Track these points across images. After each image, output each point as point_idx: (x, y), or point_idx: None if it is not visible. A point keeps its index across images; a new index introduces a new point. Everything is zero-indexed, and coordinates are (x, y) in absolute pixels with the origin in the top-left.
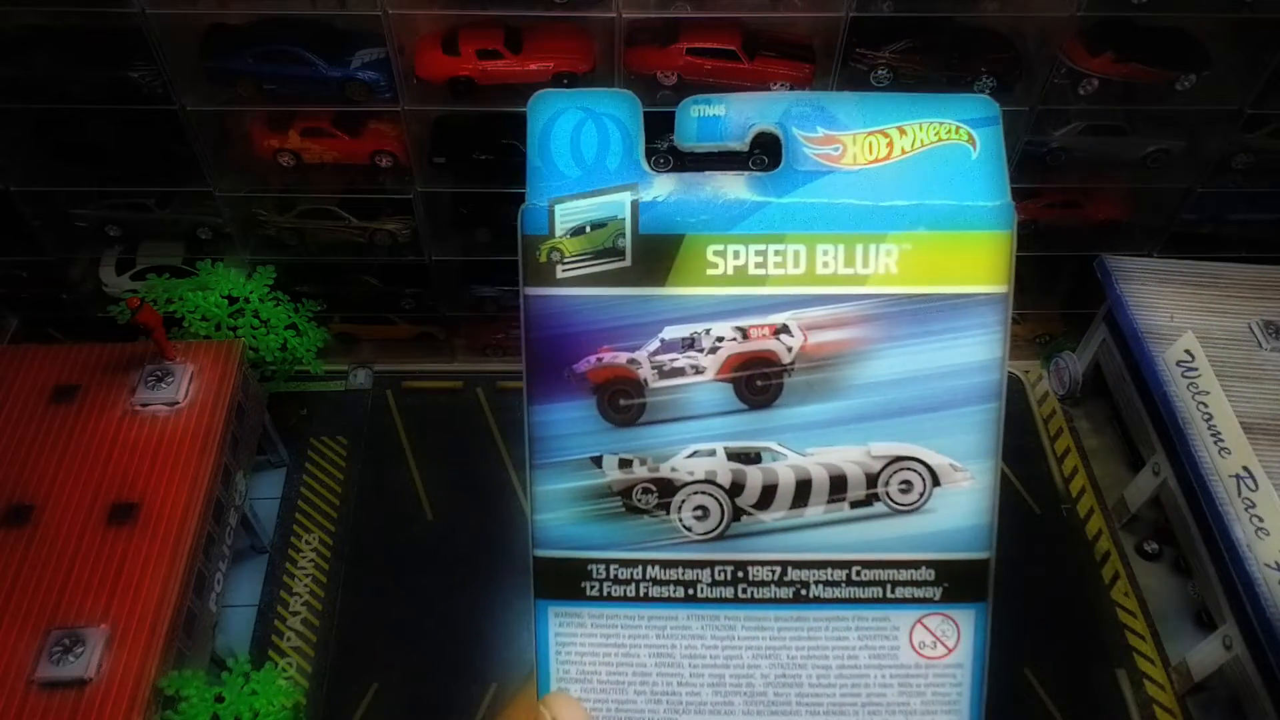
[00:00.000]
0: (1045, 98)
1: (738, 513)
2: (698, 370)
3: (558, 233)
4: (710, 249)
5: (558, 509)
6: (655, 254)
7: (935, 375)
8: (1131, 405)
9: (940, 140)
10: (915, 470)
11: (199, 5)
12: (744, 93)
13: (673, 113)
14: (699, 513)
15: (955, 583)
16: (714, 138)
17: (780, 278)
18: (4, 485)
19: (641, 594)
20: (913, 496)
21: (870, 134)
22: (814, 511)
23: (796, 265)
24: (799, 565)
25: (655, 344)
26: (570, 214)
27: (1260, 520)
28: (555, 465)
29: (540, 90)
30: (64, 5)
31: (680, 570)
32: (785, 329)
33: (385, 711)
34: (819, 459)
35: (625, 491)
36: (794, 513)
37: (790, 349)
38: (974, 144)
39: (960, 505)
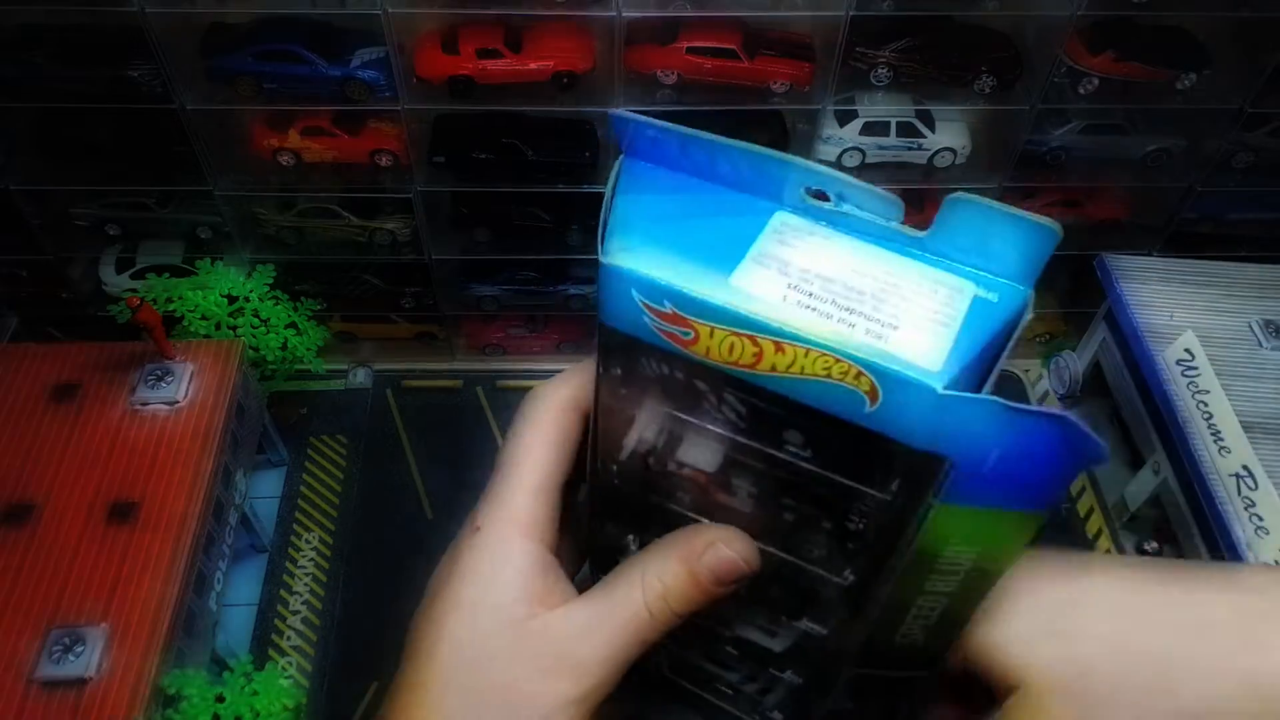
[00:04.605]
0: (1046, 97)
1: None
2: None
3: None
4: None
5: None
6: None
7: None
8: (1131, 404)
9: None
10: None
11: (199, 4)
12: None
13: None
14: None
15: None
16: None
17: None
18: (4, 485)
19: None
20: None
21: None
22: None
23: None
24: None
25: None
26: None
27: (1260, 519)
28: None
29: None
30: (63, 4)
31: None
32: None
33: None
34: None
35: None
36: None
37: None
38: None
39: None
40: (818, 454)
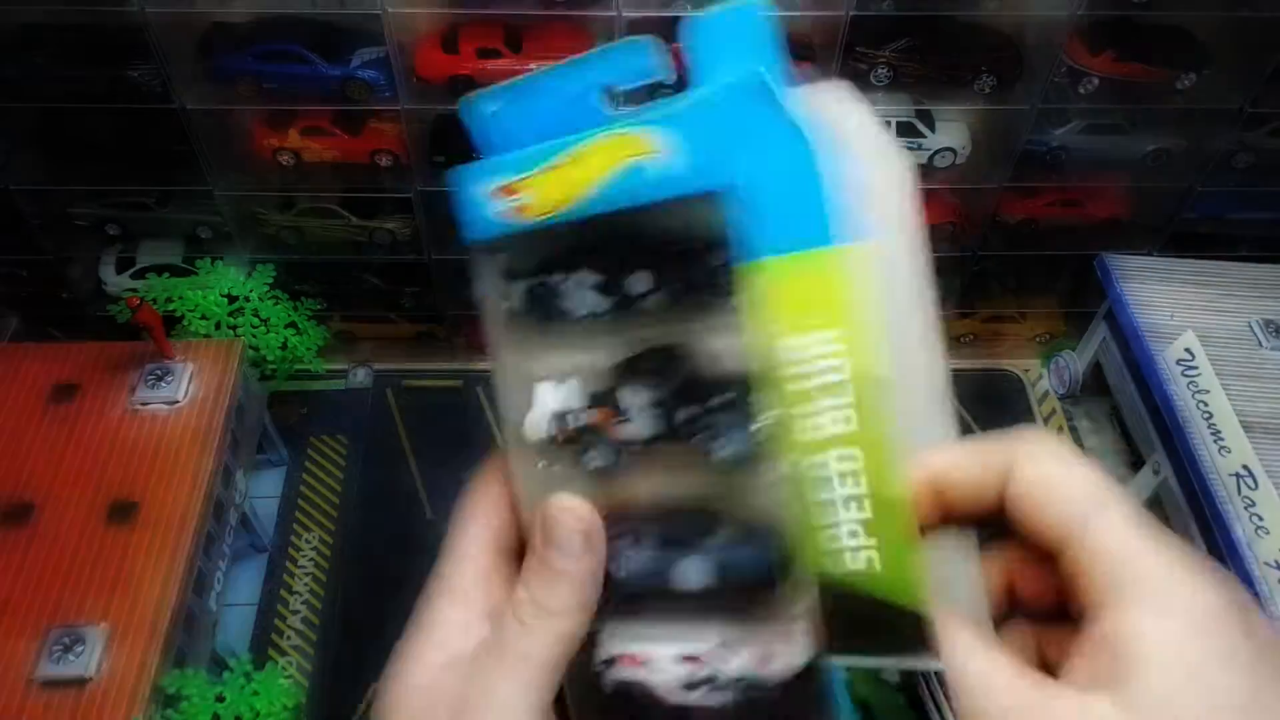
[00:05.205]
0: (1046, 97)
1: None
2: None
3: None
4: None
5: None
6: None
7: None
8: (1131, 404)
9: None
10: None
11: (199, 5)
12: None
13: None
14: None
15: None
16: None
17: None
18: (4, 485)
19: None
20: None
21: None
22: None
23: None
24: None
25: None
26: None
27: (1260, 519)
28: None
29: None
30: (63, 4)
31: None
32: None
33: None
34: None
35: None
36: None
37: None
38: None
39: None
40: (663, 284)
